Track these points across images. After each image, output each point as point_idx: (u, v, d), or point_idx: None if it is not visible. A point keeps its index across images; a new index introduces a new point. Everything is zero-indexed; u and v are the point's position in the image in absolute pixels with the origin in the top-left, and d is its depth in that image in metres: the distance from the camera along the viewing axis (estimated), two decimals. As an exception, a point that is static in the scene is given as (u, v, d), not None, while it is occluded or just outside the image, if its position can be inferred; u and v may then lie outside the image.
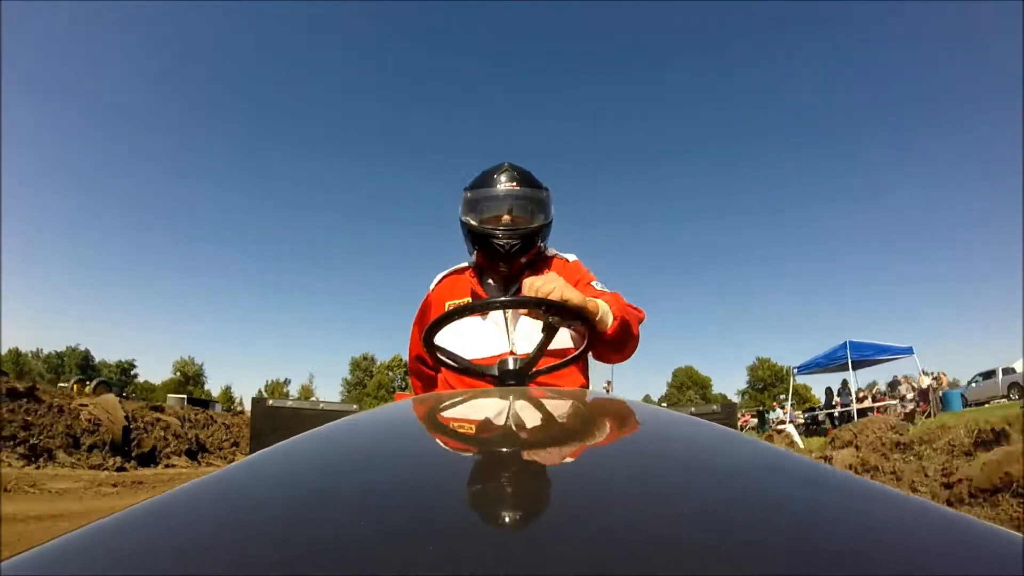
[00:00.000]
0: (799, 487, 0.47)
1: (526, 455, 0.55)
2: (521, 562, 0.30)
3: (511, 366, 1.28)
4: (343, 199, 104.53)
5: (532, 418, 0.78)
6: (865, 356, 19.64)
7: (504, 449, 0.58)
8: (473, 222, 1.77)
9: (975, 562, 0.34)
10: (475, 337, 1.68)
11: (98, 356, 65.14)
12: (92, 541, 0.39)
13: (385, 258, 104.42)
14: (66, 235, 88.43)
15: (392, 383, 60.87)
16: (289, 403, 2.85)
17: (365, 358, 64.43)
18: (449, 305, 1.78)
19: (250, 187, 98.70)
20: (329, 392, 64.99)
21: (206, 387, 62.33)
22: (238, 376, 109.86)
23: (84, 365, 61.22)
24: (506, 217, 1.76)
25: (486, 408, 0.85)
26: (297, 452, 0.60)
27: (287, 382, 64.82)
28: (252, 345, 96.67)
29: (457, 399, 0.94)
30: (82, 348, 64.56)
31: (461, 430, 0.73)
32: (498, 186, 1.79)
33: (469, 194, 1.83)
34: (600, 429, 0.72)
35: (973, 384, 22.92)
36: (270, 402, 2.74)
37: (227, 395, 61.15)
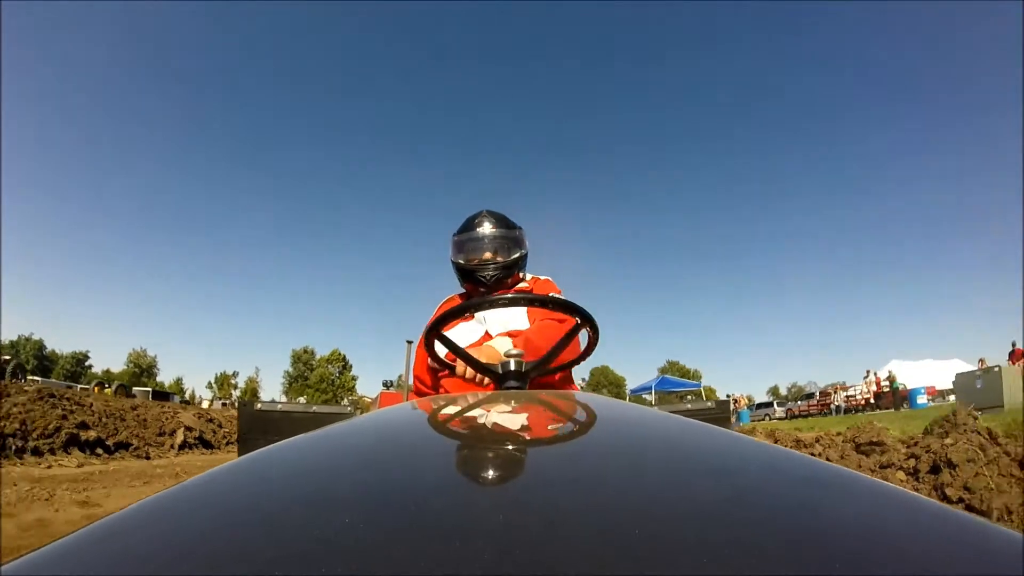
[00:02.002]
0: (797, 485, 0.48)
1: (528, 457, 0.56)
2: (521, 562, 0.30)
3: (513, 368, 1.32)
4: (287, 188, 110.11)
5: (533, 420, 0.79)
6: (668, 388, 30.75)
7: (505, 451, 0.58)
8: (461, 261, 2.16)
9: (975, 561, 0.34)
10: (457, 332, 1.97)
11: (49, 347, 68.24)
12: (92, 541, 0.40)
13: (325, 250, 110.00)
14: (11, 221, 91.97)
15: (332, 376, 65.56)
16: (278, 407, 3.17)
17: (306, 351, 68.69)
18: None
19: (194, 176, 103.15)
20: (272, 384, 69.67)
21: (158, 379, 66.55)
22: (187, 368, 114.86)
23: (40, 356, 64.48)
24: (487, 255, 2.14)
25: (488, 410, 0.86)
26: (295, 453, 0.62)
27: (235, 375, 69.06)
28: (199, 337, 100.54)
29: (458, 401, 0.98)
30: (36, 338, 67.30)
31: (462, 432, 0.74)
32: (478, 229, 2.17)
33: (456, 238, 2.20)
34: (600, 431, 0.73)
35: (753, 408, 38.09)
36: (258, 405, 3.01)
37: (179, 387, 65.85)
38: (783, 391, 75.26)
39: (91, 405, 9.74)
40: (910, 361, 31.82)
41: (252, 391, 64.49)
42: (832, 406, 31.80)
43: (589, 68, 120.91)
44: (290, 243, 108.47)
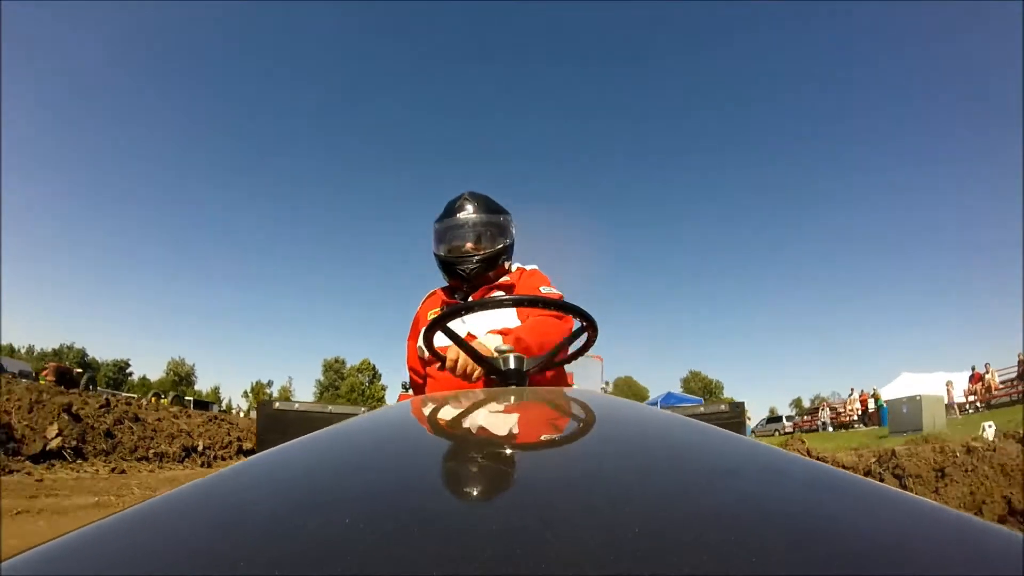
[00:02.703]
0: (796, 487, 0.48)
1: (530, 455, 0.56)
2: (522, 562, 0.30)
3: (512, 364, 1.31)
4: (319, 205, 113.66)
5: (534, 418, 0.79)
6: (672, 404, 32.38)
7: (506, 450, 0.58)
8: (441, 253, 2.05)
9: (975, 562, 0.35)
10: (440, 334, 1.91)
11: (90, 354, 71.01)
12: (92, 541, 0.40)
13: (358, 264, 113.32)
14: (50, 233, 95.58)
15: (362, 385, 67.41)
16: (296, 406, 3.15)
17: (336, 360, 70.77)
18: (431, 315, 1.93)
19: (232, 192, 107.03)
20: (304, 394, 71.31)
21: (196, 387, 69.30)
22: (224, 377, 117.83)
23: (82, 363, 65.42)
24: (469, 245, 2.01)
25: (489, 407, 0.86)
26: (296, 453, 0.61)
27: (270, 383, 71.51)
28: (235, 346, 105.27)
29: (459, 399, 0.96)
30: (78, 346, 70.71)
31: (464, 430, 0.74)
32: (459, 215, 2.03)
33: (436, 225, 2.08)
34: (601, 429, 0.72)
35: (759, 425, 38.75)
36: (276, 405, 3.04)
37: (216, 396, 68.38)
38: (806, 403, 74.93)
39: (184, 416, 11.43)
40: (923, 373, 30.69)
41: (286, 400, 65.01)
42: (819, 423, 32.40)
43: (585, 67, 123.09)
44: (321, 255, 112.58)
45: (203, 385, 72.80)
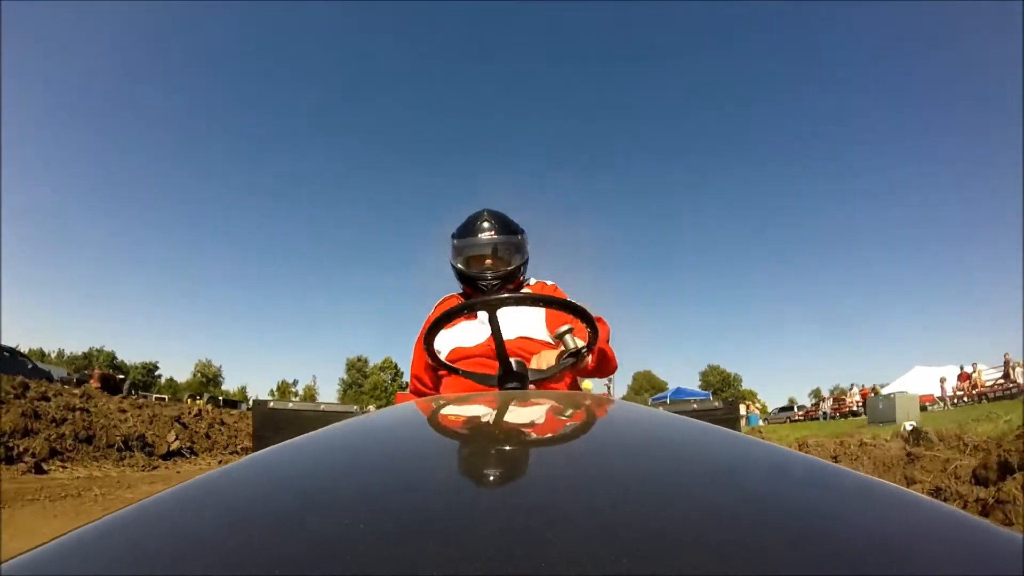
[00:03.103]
0: (797, 485, 0.48)
1: (527, 458, 0.56)
2: (523, 563, 0.30)
3: (514, 368, 1.31)
4: (339, 203, 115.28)
5: (535, 420, 0.79)
6: (681, 398, 34.52)
7: (503, 452, 0.58)
8: (461, 266, 2.12)
9: (975, 561, 0.35)
10: (463, 332, 2.00)
11: (120, 357, 72.70)
12: (92, 541, 0.40)
13: (379, 263, 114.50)
14: (77, 238, 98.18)
15: (386, 383, 68.40)
16: (290, 405, 3.35)
17: (359, 359, 72.50)
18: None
19: (251, 193, 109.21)
20: (328, 392, 73.14)
21: (223, 387, 71.58)
22: (250, 377, 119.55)
23: (112, 366, 65.65)
24: (488, 261, 2.10)
25: (488, 410, 0.86)
26: (297, 452, 0.62)
27: (295, 383, 73.21)
28: (261, 347, 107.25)
29: (459, 401, 0.98)
30: (107, 349, 72.42)
31: (463, 432, 0.73)
32: (480, 235, 2.11)
33: (456, 241, 2.15)
34: (602, 431, 0.72)
35: (772, 413, 40.40)
36: (271, 404, 3.10)
37: (243, 395, 70.16)
38: (825, 394, 75.63)
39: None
40: (936, 367, 30.91)
41: (310, 398, 67.81)
42: (820, 413, 35.85)
43: (587, 67, 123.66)
44: (344, 255, 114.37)
45: (230, 385, 75.05)
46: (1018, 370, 21.14)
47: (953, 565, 0.33)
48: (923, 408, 22.82)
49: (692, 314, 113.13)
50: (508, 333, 1.66)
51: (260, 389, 78.80)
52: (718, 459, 0.58)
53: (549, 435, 0.71)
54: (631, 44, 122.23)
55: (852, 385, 33.66)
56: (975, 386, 23.15)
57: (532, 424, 0.77)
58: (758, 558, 0.32)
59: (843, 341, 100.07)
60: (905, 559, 0.34)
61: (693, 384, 76.39)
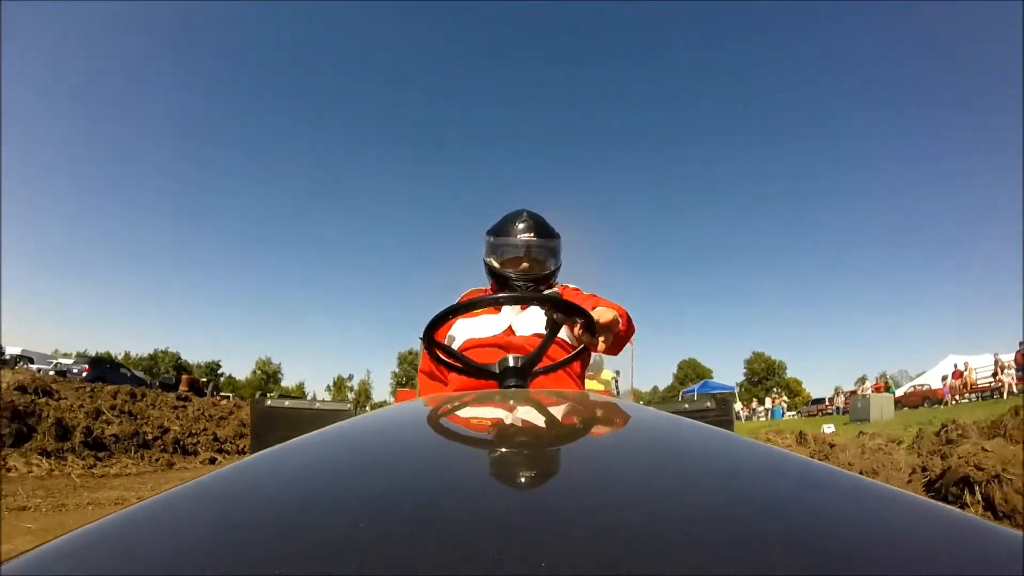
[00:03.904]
0: (794, 487, 0.48)
1: (524, 458, 0.56)
2: (522, 563, 0.30)
3: (511, 364, 1.33)
4: (397, 198, 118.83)
5: (532, 421, 0.79)
6: (708, 391, 36.38)
7: (503, 452, 0.58)
8: (495, 264, 2.11)
9: (975, 562, 0.35)
10: (480, 323, 1.95)
11: (184, 357, 76.41)
12: (92, 541, 0.40)
13: (432, 256, 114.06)
14: (139, 244, 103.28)
15: None
16: (287, 403, 3.33)
17: (411, 353, 72.25)
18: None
19: (310, 193, 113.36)
20: (382, 386, 74.90)
21: (282, 384, 74.31)
22: (307, 373, 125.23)
23: (177, 367, 70.91)
24: (524, 264, 2.08)
25: (486, 410, 0.87)
26: (297, 452, 0.62)
27: (350, 377, 76.29)
28: (318, 343, 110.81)
29: (458, 401, 0.96)
30: (172, 351, 75.96)
31: (461, 432, 0.74)
32: (517, 236, 2.08)
33: (492, 239, 2.14)
34: (598, 432, 0.73)
35: (807, 405, 42.36)
36: (268, 402, 3.16)
37: (301, 391, 73.22)
38: (871, 381, 74.70)
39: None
40: (967, 356, 29.80)
41: (364, 392, 71.62)
42: (833, 408, 35.88)
43: (592, 63, 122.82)
44: (401, 250, 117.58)
45: (288, 382, 77.74)
46: (1007, 371, 22.69)
47: (953, 565, 0.34)
48: (938, 403, 24.63)
49: (738, 302, 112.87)
50: (526, 330, 1.86)
51: (317, 385, 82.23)
52: (707, 460, 0.59)
53: (544, 438, 0.71)
54: (631, 38, 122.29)
55: (865, 377, 35.89)
56: (966, 385, 24.86)
57: (529, 426, 0.77)
58: (754, 558, 0.32)
59: (893, 326, 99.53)
60: (904, 559, 0.34)
61: (738, 372, 78.24)
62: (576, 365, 1.95)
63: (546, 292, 2.00)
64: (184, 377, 32.83)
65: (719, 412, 3.07)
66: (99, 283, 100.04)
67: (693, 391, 35.63)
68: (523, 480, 0.48)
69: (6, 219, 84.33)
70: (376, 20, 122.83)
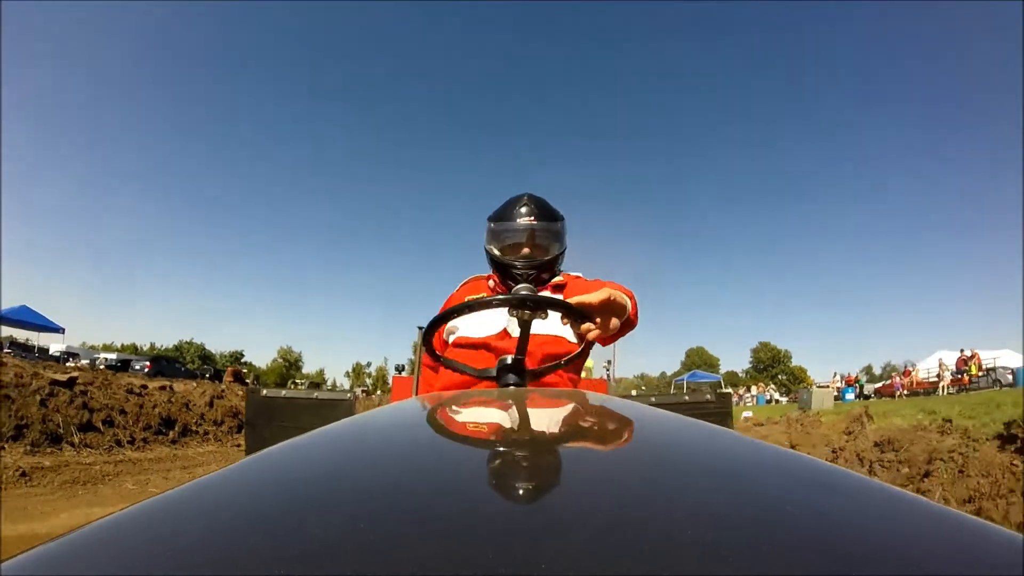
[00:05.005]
0: (795, 486, 0.47)
1: (521, 456, 0.55)
2: (521, 563, 0.30)
3: (510, 363, 1.33)
4: (414, 188, 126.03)
5: (529, 420, 0.79)
6: (693, 379, 40.38)
7: (500, 450, 0.59)
8: (496, 251, 2.04)
9: (975, 562, 0.35)
10: (475, 321, 1.88)
11: (208, 348, 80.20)
12: (92, 541, 0.40)
13: (450, 244, 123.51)
14: (160, 237, 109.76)
15: None
16: (283, 393, 3.15)
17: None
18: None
19: (328, 188, 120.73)
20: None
21: (303, 371, 78.46)
22: (327, 360, 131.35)
23: (202, 357, 75.63)
24: (525, 249, 2.00)
25: (483, 409, 0.87)
26: (297, 452, 0.62)
27: (368, 364, 79.58)
28: (337, 331, 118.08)
29: (452, 399, 0.96)
30: (197, 342, 79.53)
31: (459, 431, 0.75)
32: (518, 220, 2.01)
33: (493, 225, 2.07)
34: (597, 431, 0.73)
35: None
36: (264, 392, 3.03)
37: (321, 377, 77.77)
38: (877, 371, 76.74)
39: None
40: (954, 352, 31.58)
41: (382, 379, 73.90)
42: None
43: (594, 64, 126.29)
44: (415, 237, 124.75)
45: (309, 368, 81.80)
46: (946, 373, 26.31)
47: (953, 565, 0.33)
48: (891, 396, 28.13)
49: (746, 292, 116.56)
50: (536, 329, 1.65)
51: (337, 371, 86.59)
52: (704, 459, 0.58)
53: (541, 436, 0.70)
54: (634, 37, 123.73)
55: (835, 373, 38.86)
56: (912, 383, 28.65)
57: (526, 425, 0.77)
58: (755, 558, 0.32)
59: (898, 318, 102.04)
60: (905, 559, 0.34)
61: (746, 360, 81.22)
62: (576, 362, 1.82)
63: (551, 281, 2.06)
64: (228, 369, 37.04)
65: (718, 405, 3.07)
66: (120, 278, 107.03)
67: (683, 380, 39.68)
68: (521, 479, 0.48)
69: (35, 215, 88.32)
70: (398, 18, 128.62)
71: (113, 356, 34.60)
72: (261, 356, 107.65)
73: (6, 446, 7.03)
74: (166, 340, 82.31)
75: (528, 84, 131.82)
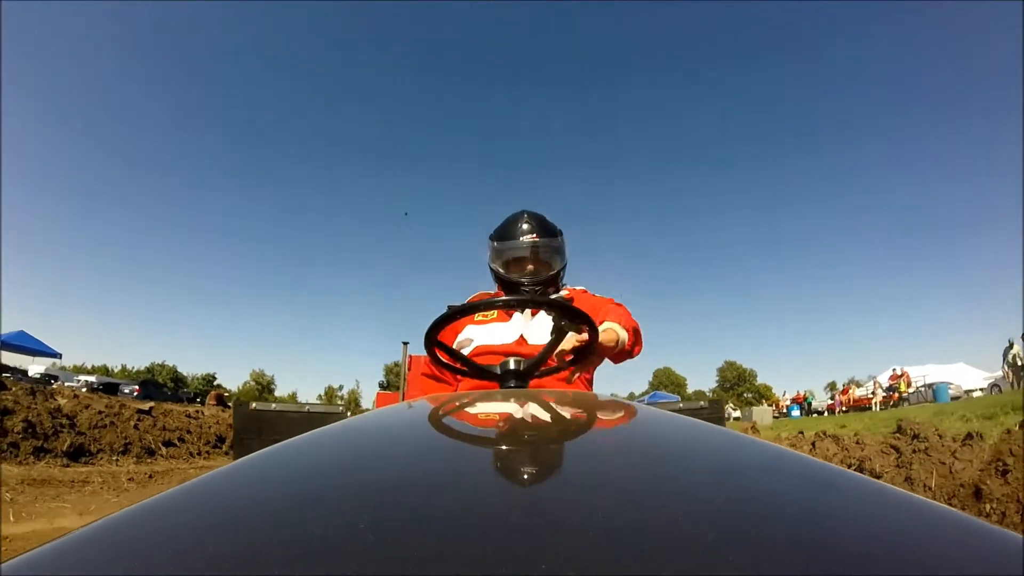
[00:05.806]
0: (797, 485, 0.48)
1: (523, 456, 0.55)
2: (521, 563, 0.30)
3: (512, 366, 1.34)
4: (381, 213, 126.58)
5: (530, 419, 0.79)
6: (653, 400, 42.73)
7: (501, 449, 0.59)
8: (500, 270, 2.12)
9: (975, 562, 0.35)
10: (491, 331, 1.96)
11: (180, 370, 79.60)
12: (92, 541, 0.40)
13: (422, 267, 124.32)
14: (129, 255, 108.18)
15: None
16: (273, 406, 3.14)
17: (396, 364, 77.93)
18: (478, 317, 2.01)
19: (298, 207, 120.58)
20: (371, 395, 76.00)
21: (276, 393, 78.85)
22: (299, 383, 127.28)
23: (175, 379, 74.72)
24: (530, 266, 2.10)
25: (483, 410, 0.86)
26: (297, 451, 0.62)
27: (340, 388, 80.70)
28: (308, 355, 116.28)
29: (454, 400, 0.97)
30: (169, 364, 78.82)
31: (457, 430, 0.75)
32: (520, 237, 2.10)
33: (495, 244, 2.15)
34: (598, 430, 0.74)
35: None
36: (253, 405, 2.99)
37: (294, 400, 76.31)
38: (840, 387, 78.10)
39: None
40: (913, 366, 34.36)
41: (354, 401, 73.75)
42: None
43: (588, 72, 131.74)
44: (388, 264, 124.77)
45: (281, 391, 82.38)
46: (879, 391, 30.89)
47: (953, 565, 0.34)
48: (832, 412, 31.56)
49: (710, 311, 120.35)
50: (539, 339, 1.88)
51: (309, 395, 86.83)
52: (710, 457, 0.59)
53: (543, 436, 0.70)
54: (629, 48, 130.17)
55: (784, 392, 43.28)
56: (849, 400, 32.44)
57: (528, 425, 0.77)
58: (756, 557, 0.32)
59: (859, 334, 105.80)
60: (905, 559, 0.34)
61: (711, 380, 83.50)
62: (588, 374, 1.89)
63: (554, 296, 2.04)
64: (212, 393, 38.22)
65: (711, 411, 3.10)
66: (92, 298, 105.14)
67: (643, 400, 41.69)
68: (523, 477, 0.48)
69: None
70: (386, 24, 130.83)
71: (93, 379, 34.75)
72: (233, 378, 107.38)
73: (119, 459, 9.29)
74: (136, 362, 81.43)
75: (509, 102, 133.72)
